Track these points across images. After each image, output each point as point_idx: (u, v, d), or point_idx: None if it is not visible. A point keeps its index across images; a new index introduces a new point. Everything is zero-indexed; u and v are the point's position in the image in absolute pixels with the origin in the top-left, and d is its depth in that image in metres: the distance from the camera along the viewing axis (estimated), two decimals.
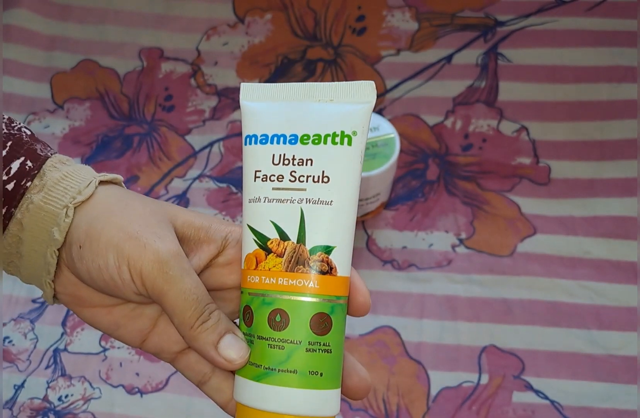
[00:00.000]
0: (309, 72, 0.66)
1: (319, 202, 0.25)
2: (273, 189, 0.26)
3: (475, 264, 0.57)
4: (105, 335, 0.57)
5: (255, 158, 0.26)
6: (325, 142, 0.25)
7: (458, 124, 0.62)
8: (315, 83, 0.27)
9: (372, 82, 0.26)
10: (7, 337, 0.58)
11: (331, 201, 0.25)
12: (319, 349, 0.25)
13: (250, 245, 0.26)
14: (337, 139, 0.25)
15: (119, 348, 0.56)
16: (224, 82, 0.67)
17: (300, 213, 0.25)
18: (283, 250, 0.25)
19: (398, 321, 0.55)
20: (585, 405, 0.52)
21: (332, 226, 0.25)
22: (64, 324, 0.58)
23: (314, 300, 0.25)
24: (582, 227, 0.58)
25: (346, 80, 0.65)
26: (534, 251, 0.57)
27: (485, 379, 0.53)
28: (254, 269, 0.26)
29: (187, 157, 0.64)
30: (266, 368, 0.25)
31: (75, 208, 0.27)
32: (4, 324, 0.58)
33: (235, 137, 0.64)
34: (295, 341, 0.25)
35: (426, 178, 0.61)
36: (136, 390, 0.55)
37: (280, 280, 0.25)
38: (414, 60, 0.65)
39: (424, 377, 0.54)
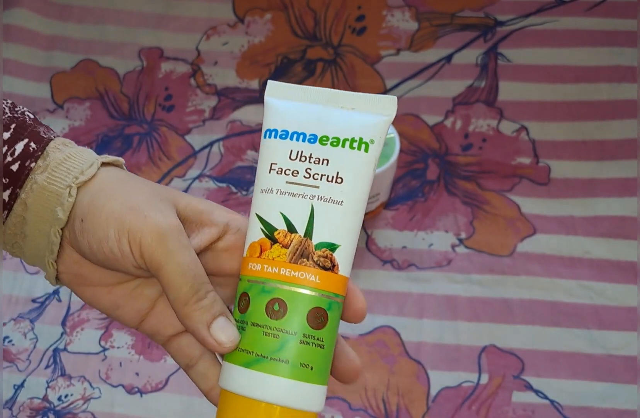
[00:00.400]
0: (309, 72, 0.66)
1: (331, 201, 0.26)
2: (287, 182, 0.26)
3: (475, 264, 0.57)
4: (105, 335, 0.57)
5: (273, 151, 0.27)
6: (343, 146, 0.26)
7: (458, 124, 0.62)
8: (341, 91, 0.28)
9: (395, 98, 0.28)
10: (7, 337, 0.58)
11: (342, 202, 0.26)
12: (312, 343, 0.25)
13: (256, 234, 0.27)
14: (355, 145, 0.26)
15: (118, 348, 0.56)
16: (223, 82, 0.67)
17: (311, 209, 0.26)
18: (289, 242, 0.26)
19: (398, 321, 0.55)
20: (585, 405, 0.52)
21: (340, 225, 0.26)
22: (63, 324, 0.58)
23: (313, 293, 0.25)
24: (582, 227, 0.58)
25: (345, 79, 0.65)
26: (534, 251, 0.57)
27: (485, 379, 0.53)
28: (257, 257, 0.26)
29: (186, 157, 0.64)
30: (258, 355, 0.25)
31: (78, 188, 0.27)
32: (4, 324, 0.58)
33: (235, 137, 0.64)
34: (290, 332, 0.25)
35: (426, 177, 0.61)
36: (136, 389, 0.55)
37: (283, 270, 0.26)
38: (414, 60, 0.65)
39: (424, 377, 0.53)
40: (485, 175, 0.60)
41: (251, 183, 0.62)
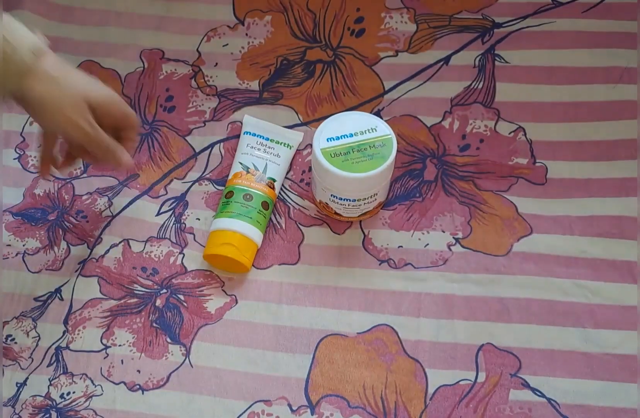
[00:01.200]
0: (308, 73, 0.66)
1: (274, 162, 0.60)
2: (254, 151, 0.61)
3: (472, 263, 0.57)
4: (107, 333, 0.57)
5: (248, 139, 0.61)
6: (279, 143, 0.61)
7: (456, 124, 0.63)
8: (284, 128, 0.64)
9: (302, 133, 0.63)
10: (9, 335, 0.58)
11: (279, 164, 0.60)
12: (261, 214, 0.57)
13: (237, 168, 0.60)
14: (284, 145, 0.62)
15: (120, 345, 0.57)
16: (224, 84, 0.67)
17: (266, 163, 0.60)
18: (255, 173, 0.59)
19: (396, 320, 0.56)
20: (582, 403, 0.52)
21: (276, 172, 0.60)
22: (65, 322, 0.58)
23: (264, 194, 0.58)
24: (578, 226, 0.58)
25: (345, 81, 0.66)
26: (530, 251, 0.57)
27: (482, 377, 0.54)
28: (239, 178, 0.59)
29: (187, 158, 0.64)
30: (237, 213, 0.57)
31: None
32: (6, 322, 0.59)
33: (235, 138, 0.64)
34: (253, 207, 0.57)
35: (424, 178, 0.61)
36: (137, 387, 0.55)
37: (252, 184, 0.58)
38: (412, 61, 0.65)
39: (422, 375, 0.54)
40: (483, 175, 0.61)
41: None
